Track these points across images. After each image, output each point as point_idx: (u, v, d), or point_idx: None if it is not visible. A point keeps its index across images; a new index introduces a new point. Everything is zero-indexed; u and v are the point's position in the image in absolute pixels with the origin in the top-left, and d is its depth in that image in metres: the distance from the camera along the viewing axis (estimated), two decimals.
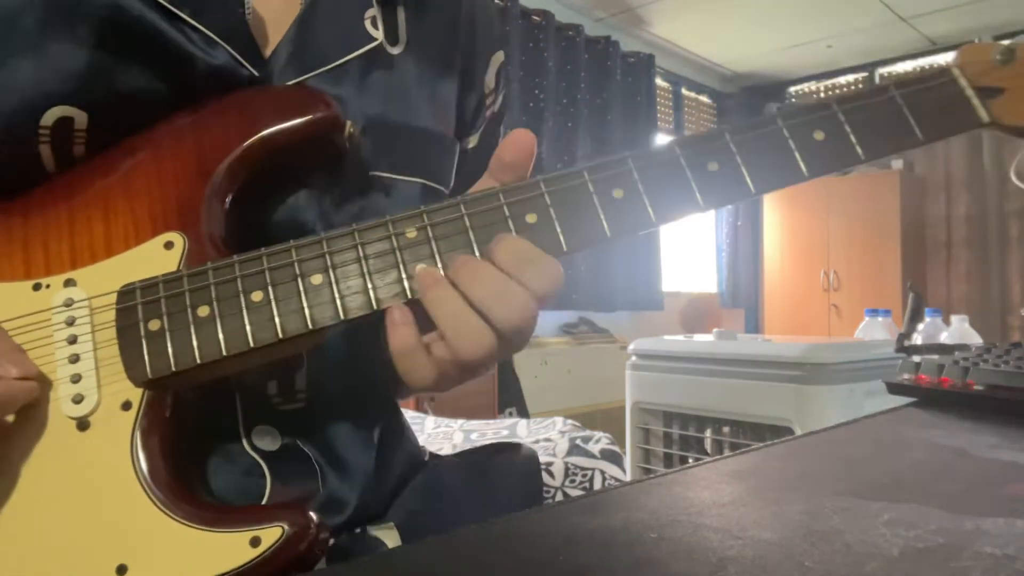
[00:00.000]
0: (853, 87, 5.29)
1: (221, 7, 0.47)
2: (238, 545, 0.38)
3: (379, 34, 0.53)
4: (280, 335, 0.41)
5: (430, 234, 0.42)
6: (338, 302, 0.41)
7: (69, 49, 0.44)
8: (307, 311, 0.41)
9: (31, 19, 0.44)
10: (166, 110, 0.47)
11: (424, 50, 0.57)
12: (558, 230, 0.43)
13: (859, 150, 0.44)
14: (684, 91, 5.22)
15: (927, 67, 5.22)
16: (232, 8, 0.48)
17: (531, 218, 0.43)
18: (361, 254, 0.42)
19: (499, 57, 0.65)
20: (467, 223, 0.42)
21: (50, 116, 0.44)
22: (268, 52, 0.49)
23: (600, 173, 0.44)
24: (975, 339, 1.99)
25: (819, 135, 0.44)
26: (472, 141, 0.63)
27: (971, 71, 0.46)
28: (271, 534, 0.38)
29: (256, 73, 0.48)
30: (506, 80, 0.67)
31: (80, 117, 0.45)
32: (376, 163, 0.52)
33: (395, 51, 0.55)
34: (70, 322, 0.43)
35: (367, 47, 0.51)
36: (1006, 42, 0.47)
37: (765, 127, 0.45)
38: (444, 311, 0.40)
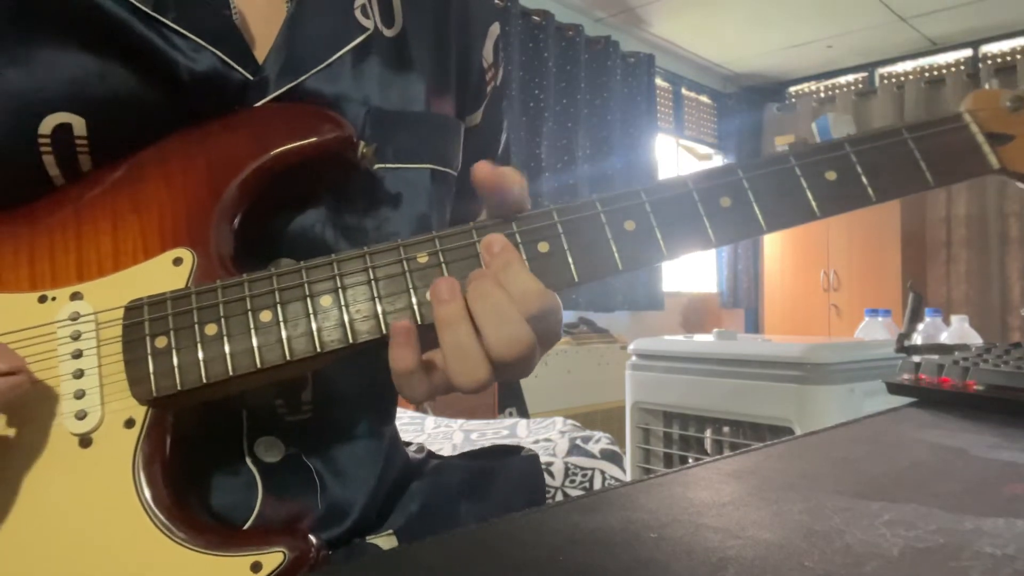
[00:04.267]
0: (853, 87, 5.29)
1: (205, 10, 0.46)
2: (239, 570, 0.38)
3: (370, 23, 0.52)
4: (288, 356, 0.40)
5: (441, 259, 0.42)
6: (347, 325, 0.41)
7: (57, 55, 0.44)
8: (316, 334, 0.41)
9: (16, 27, 0.43)
10: (166, 117, 0.46)
11: (420, 28, 0.56)
12: (570, 260, 0.42)
13: (870, 192, 0.44)
14: (684, 91, 5.22)
15: (927, 67, 5.24)
16: (217, 10, 0.47)
17: (543, 247, 0.42)
18: (372, 277, 0.42)
19: (495, 30, 0.64)
20: (478, 250, 0.42)
21: (47, 124, 0.44)
22: (258, 52, 0.48)
23: (613, 205, 0.43)
24: (975, 339, 1.99)
25: (831, 175, 0.44)
26: (476, 119, 0.62)
27: (981, 117, 0.46)
28: (272, 559, 0.38)
29: (250, 76, 0.47)
30: (504, 54, 0.67)
31: (78, 123, 0.44)
32: (382, 154, 0.51)
33: (391, 33, 0.54)
34: (75, 336, 0.42)
35: (359, 39, 0.51)
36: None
37: (778, 165, 0.44)
38: (452, 338, 0.40)
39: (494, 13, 0.65)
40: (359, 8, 0.52)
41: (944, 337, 2.01)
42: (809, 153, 0.45)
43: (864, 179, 0.44)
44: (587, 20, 4.27)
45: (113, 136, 0.45)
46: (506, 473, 0.60)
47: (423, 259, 0.42)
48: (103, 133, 0.45)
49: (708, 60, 5.14)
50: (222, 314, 0.41)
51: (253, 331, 0.41)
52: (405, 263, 0.42)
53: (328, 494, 0.49)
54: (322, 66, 0.49)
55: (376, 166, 0.51)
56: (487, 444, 1.17)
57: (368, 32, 0.51)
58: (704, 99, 5.45)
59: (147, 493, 0.40)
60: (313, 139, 0.46)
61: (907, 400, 0.71)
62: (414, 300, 0.41)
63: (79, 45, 0.44)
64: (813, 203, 0.44)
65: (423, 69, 0.55)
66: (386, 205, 0.51)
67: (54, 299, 0.43)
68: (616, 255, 0.43)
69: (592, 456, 1.00)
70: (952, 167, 0.45)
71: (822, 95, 5.42)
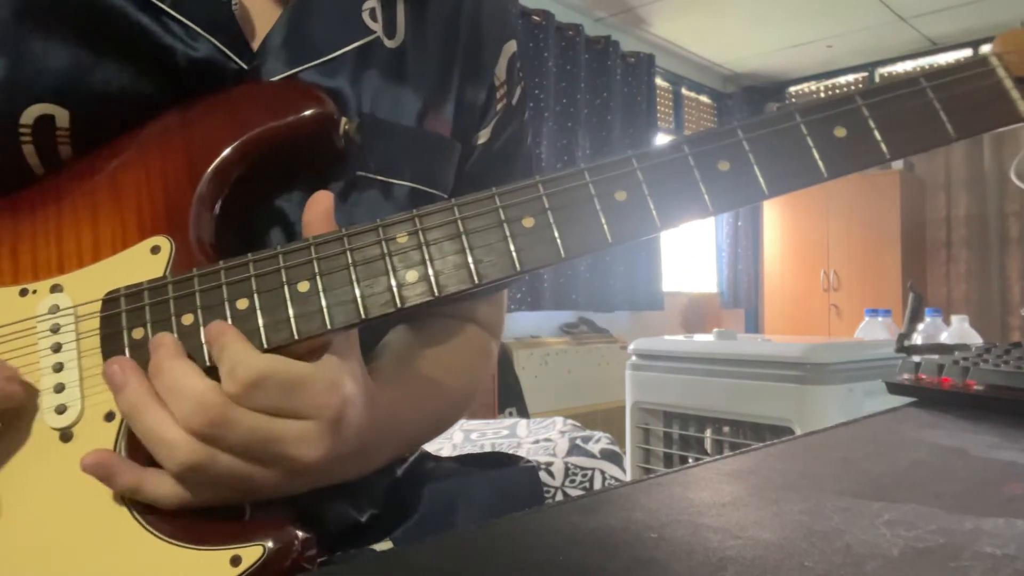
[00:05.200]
0: (853, 87, 5.29)
1: None
2: (218, 563, 0.37)
3: (377, 27, 0.51)
4: (264, 345, 0.39)
5: (422, 239, 0.40)
6: (325, 312, 0.39)
7: (46, 45, 0.43)
8: (293, 321, 0.39)
9: (5, 15, 0.43)
10: (153, 108, 0.45)
11: (423, 45, 0.54)
12: (556, 235, 0.40)
13: (884, 148, 0.40)
14: (684, 91, 5.22)
15: (927, 67, 5.19)
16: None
17: (528, 222, 0.40)
18: (350, 261, 0.40)
19: (511, 47, 0.62)
20: (460, 227, 0.40)
21: (29, 115, 0.43)
22: (256, 43, 0.47)
23: (602, 174, 0.41)
24: (975, 339, 1.99)
25: (840, 132, 0.41)
26: (482, 136, 0.60)
27: (1011, 60, 0.41)
28: (252, 553, 0.37)
29: (244, 66, 0.46)
30: (521, 71, 0.64)
31: (61, 115, 0.44)
32: (363, 162, 0.50)
33: (392, 44, 0.52)
34: (55, 330, 0.41)
35: (364, 40, 0.49)
36: None
37: (781, 123, 0.41)
38: (139, 426, 0.38)
39: (511, 31, 0.63)
40: (367, 11, 0.51)
41: (944, 337, 2.01)
42: (816, 108, 0.41)
43: (877, 134, 0.40)
44: (587, 20, 4.27)
45: (96, 128, 0.45)
46: (504, 485, 0.59)
47: (403, 239, 0.40)
48: (86, 125, 0.45)
49: (708, 60, 5.14)
50: (199, 304, 0.40)
51: (230, 320, 0.40)
52: (384, 244, 0.40)
53: (320, 496, 0.48)
54: (320, 60, 0.48)
55: (358, 172, 0.50)
56: (487, 444, 1.17)
57: (374, 35, 0.50)
58: (704, 99, 5.45)
59: None
60: (293, 116, 0.44)
61: (907, 400, 0.71)
62: (393, 283, 0.40)
63: (73, 37, 0.43)
64: (820, 163, 0.40)
65: (421, 85, 0.53)
66: (373, 208, 0.50)
67: (35, 292, 0.42)
68: (606, 227, 0.40)
69: (592, 456, 1.00)
70: (976, 117, 0.41)
71: (822, 95, 5.42)
